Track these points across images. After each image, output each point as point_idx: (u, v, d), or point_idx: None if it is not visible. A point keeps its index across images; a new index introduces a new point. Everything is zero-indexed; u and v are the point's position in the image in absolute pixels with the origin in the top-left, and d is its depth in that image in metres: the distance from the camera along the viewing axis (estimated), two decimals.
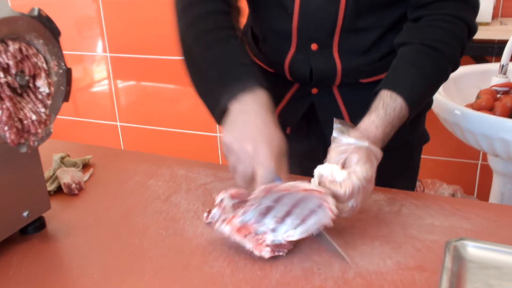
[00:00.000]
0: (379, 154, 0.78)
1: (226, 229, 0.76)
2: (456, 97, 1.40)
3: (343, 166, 0.76)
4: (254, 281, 0.69)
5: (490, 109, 1.35)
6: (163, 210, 0.88)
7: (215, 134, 2.57)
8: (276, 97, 1.02)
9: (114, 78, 2.68)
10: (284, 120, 1.03)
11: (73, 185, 0.95)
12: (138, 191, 0.95)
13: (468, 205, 0.85)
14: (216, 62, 0.87)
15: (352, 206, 0.73)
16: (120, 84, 2.70)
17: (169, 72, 2.53)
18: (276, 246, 0.74)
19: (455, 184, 2.09)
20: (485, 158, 2.10)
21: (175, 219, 0.85)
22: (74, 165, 1.03)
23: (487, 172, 2.12)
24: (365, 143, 0.77)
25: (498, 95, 1.42)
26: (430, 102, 1.08)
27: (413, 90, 0.83)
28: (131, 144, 2.79)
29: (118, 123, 2.76)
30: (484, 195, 2.15)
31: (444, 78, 0.89)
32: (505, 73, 1.45)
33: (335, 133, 0.79)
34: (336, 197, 0.72)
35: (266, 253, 0.73)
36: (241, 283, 0.68)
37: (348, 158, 0.75)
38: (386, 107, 0.81)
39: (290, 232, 0.74)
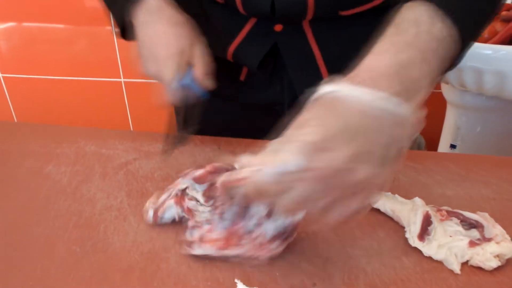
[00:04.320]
0: (376, 98, 0.41)
1: (209, 250, 0.53)
2: None
3: None
4: None
5: None
6: (72, 211, 0.62)
7: (119, 80, 2.25)
8: (228, 34, 0.78)
9: None
10: (242, 62, 0.79)
11: None
12: (32, 183, 0.67)
13: (478, 162, 0.67)
14: None
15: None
16: None
17: (57, 9, 2.15)
18: (282, 235, 0.52)
19: None
20: None
21: (91, 224, 0.59)
22: None
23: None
24: (328, 88, 0.43)
25: None
26: None
27: None
28: (20, 100, 2.40)
29: (0, 75, 2.35)
30: None
31: None
32: None
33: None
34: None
35: (276, 248, 0.52)
36: None
37: None
38: (400, 23, 0.46)
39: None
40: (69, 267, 0.53)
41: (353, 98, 0.41)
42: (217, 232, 0.53)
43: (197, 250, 0.53)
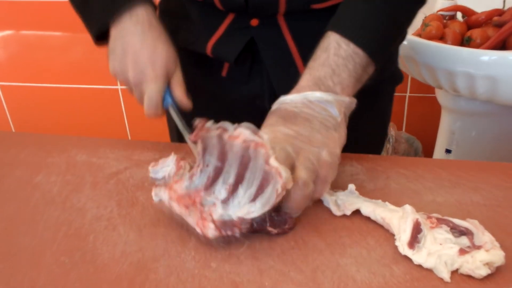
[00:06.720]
0: (297, 103, 0.61)
1: (164, 196, 0.57)
2: None
3: None
4: None
5: (440, 38, 1.17)
6: (61, 222, 0.61)
7: (116, 87, 2.25)
8: (207, 30, 0.81)
9: None
10: (220, 57, 0.82)
11: None
12: (21, 193, 0.67)
13: (468, 167, 0.67)
14: None
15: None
16: None
17: (54, 17, 2.15)
18: (224, 224, 0.53)
19: None
20: (413, 89, 1.98)
21: (80, 234, 0.59)
22: None
23: (414, 104, 2.02)
24: (274, 106, 0.64)
25: (444, 21, 1.25)
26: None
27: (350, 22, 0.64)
28: (17, 109, 2.39)
29: None
30: (412, 128, 2.06)
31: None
32: None
33: None
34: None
35: (210, 231, 0.53)
36: None
37: None
38: (316, 51, 0.65)
39: (247, 207, 0.53)
40: (57, 279, 0.53)
41: (290, 101, 0.62)
42: (180, 186, 0.56)
43: (160, 194, 0.57)
